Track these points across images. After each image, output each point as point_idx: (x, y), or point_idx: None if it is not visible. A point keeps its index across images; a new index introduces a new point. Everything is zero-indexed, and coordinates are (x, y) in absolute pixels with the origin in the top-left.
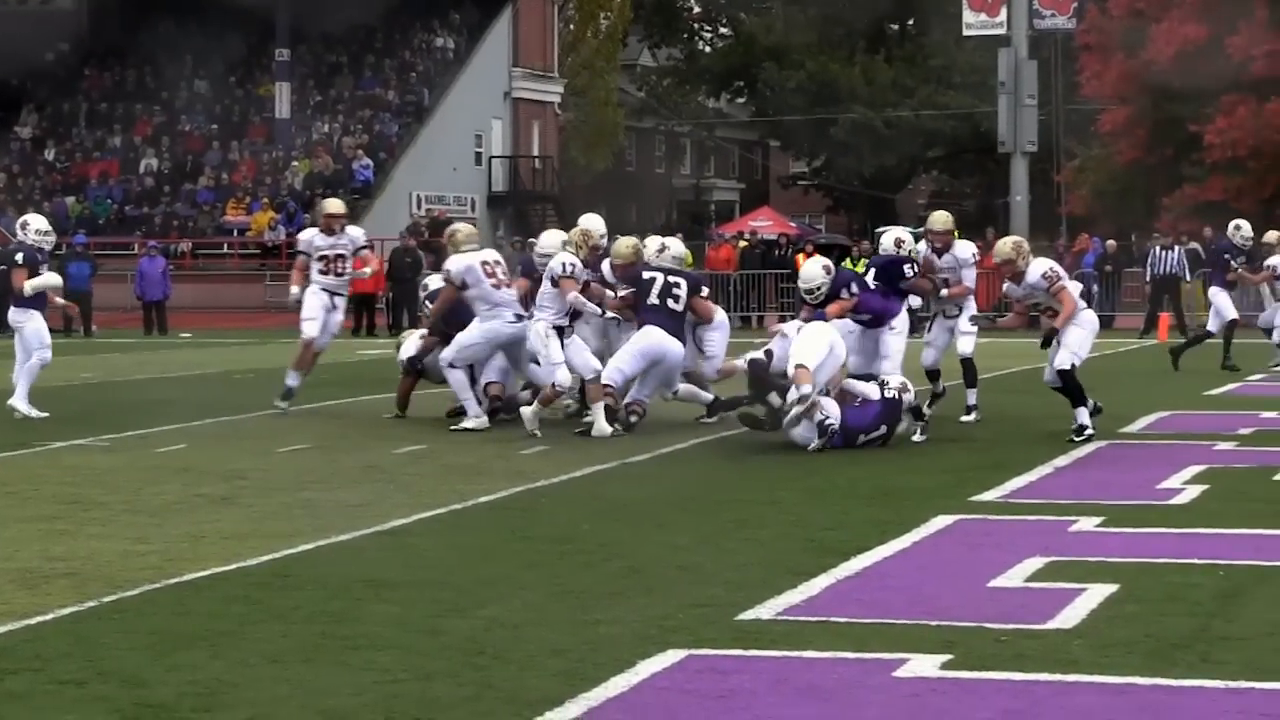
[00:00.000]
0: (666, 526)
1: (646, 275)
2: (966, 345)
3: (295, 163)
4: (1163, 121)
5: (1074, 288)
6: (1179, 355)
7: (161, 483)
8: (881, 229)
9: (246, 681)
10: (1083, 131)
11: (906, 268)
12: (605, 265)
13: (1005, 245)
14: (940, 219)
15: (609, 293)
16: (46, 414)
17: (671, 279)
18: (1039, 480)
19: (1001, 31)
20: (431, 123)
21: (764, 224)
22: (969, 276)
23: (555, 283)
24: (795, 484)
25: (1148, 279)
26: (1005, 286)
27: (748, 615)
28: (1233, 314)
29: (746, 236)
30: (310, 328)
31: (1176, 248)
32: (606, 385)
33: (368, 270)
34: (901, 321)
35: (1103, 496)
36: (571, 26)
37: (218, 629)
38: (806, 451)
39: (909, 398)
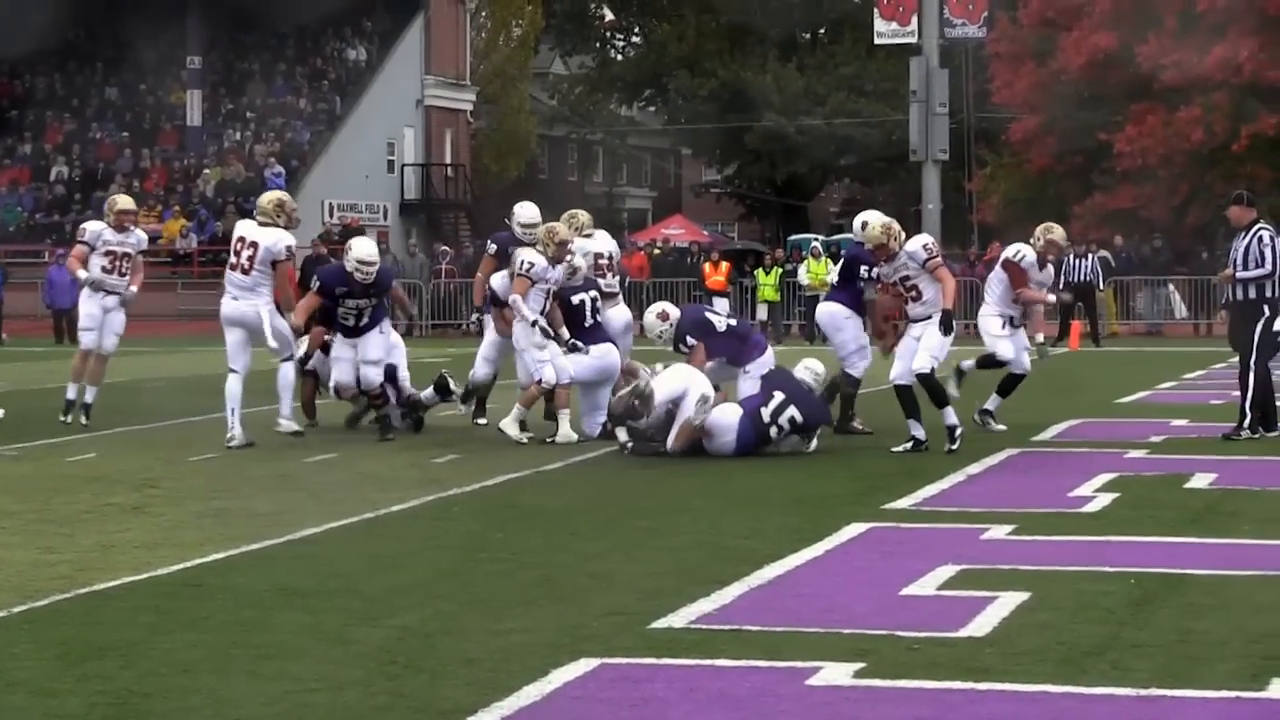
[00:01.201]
0: (579, 535)
1: (575, 300)
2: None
3: (207, 170)
4: (1073, 130)
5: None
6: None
7: (72, 492)
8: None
9: (158, 691)
10: (994, 140)
11: (864, 269)
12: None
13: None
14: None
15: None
16: None
17: (594, 294)
18: (951, 488)
19: (912, 40)
20: (344, 131)
21: (677, 232)
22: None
23: (513, 277)
24: (709, 492)
25: (1061, 286)
26: (876, 271)
27: (660, 624)
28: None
29: (659, 244)
30: (88, 339)
31: (1090, 255)
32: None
33: (134, 289)
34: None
35: (1014, 504)
36: (484, 34)
37: (128, 639)
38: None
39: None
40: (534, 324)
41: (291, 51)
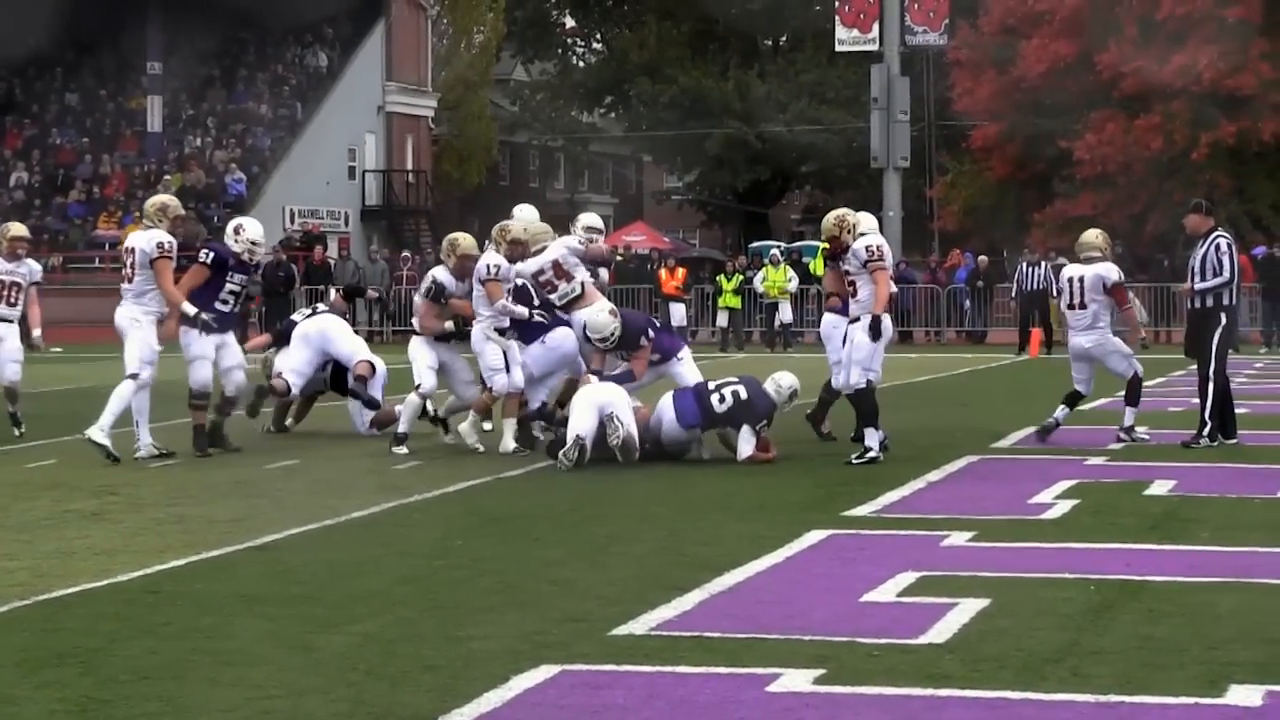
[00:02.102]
0: (540, 541)
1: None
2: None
3: (167, 176)
4: (1034, 137)
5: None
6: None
7: (31, 498)
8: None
9: (117, 699)
10: (955, 147)
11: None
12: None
13: (828, 219)
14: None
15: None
16: None
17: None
18: (911, 495)
19: (874, 48)
20: (305, 137)
21: (638, 239)
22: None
23: (483, 284)
24: (669, 498)
25: (1014, 295)
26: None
27: (621, 630)
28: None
29: (620, 251)
30: None
31: (1043, 263)
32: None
33: (37, 333)
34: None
35: (974, 511)
36: (445, 41)
37: (88, 646)
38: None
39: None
40: (530, 318)
41: (252, 57)
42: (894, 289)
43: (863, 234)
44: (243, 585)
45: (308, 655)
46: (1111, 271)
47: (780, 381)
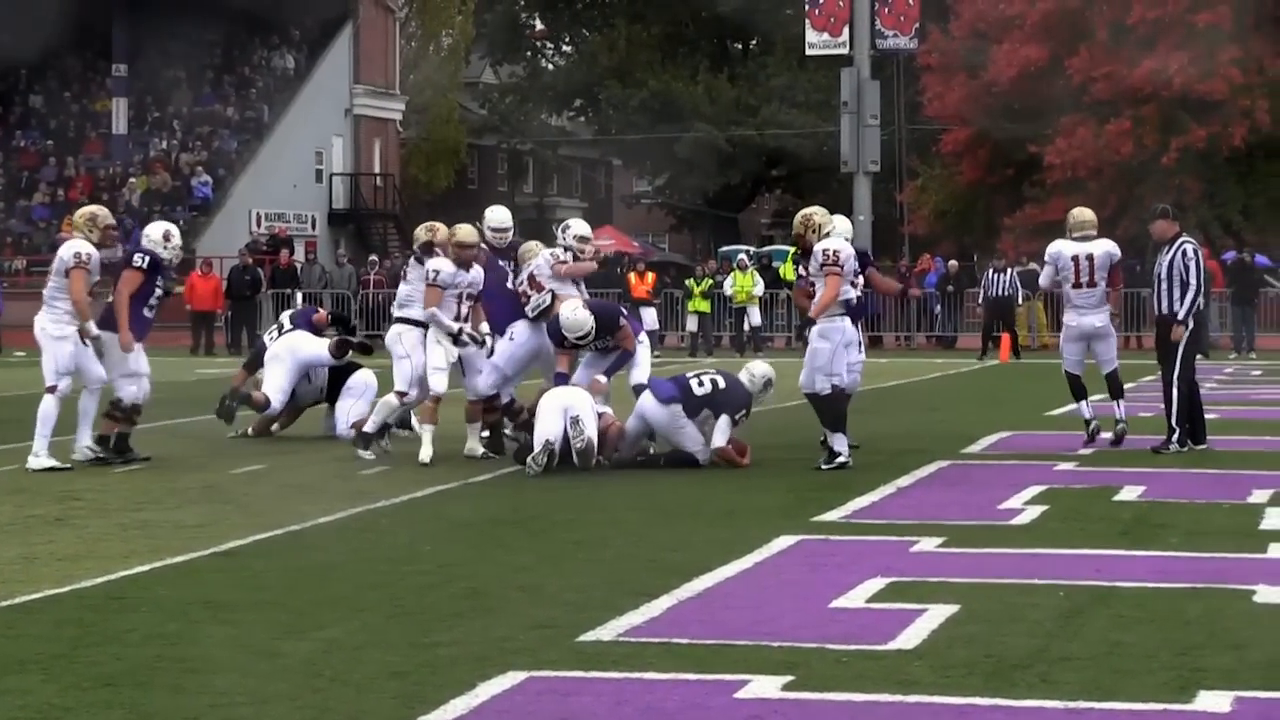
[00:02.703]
0: (508, 547)
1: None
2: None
3: (133, 179)
4: (1004, 142)
5: (849, 289)
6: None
7: None
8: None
9: (80, 705)
10: (925, 151)
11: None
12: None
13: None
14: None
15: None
16: None
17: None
18: (881, 500)
19: (844, 51)
20: (271, 140)
21: (607, 243)
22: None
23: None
24: (638, 504)
25: (980, 301)
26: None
27: (589, 636)
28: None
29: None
30: None
31: (1009, 270)
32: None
33: None
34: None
35: (944, 517)
36: (413, 44)
37: (50, 652)
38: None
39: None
40: (458, 334)
41: (219, 60)
42: (851, 294)
43: (826, 235)
44: (208, 591)
45: (273, 662)
46: (1116, 247)
47: (754, 371)
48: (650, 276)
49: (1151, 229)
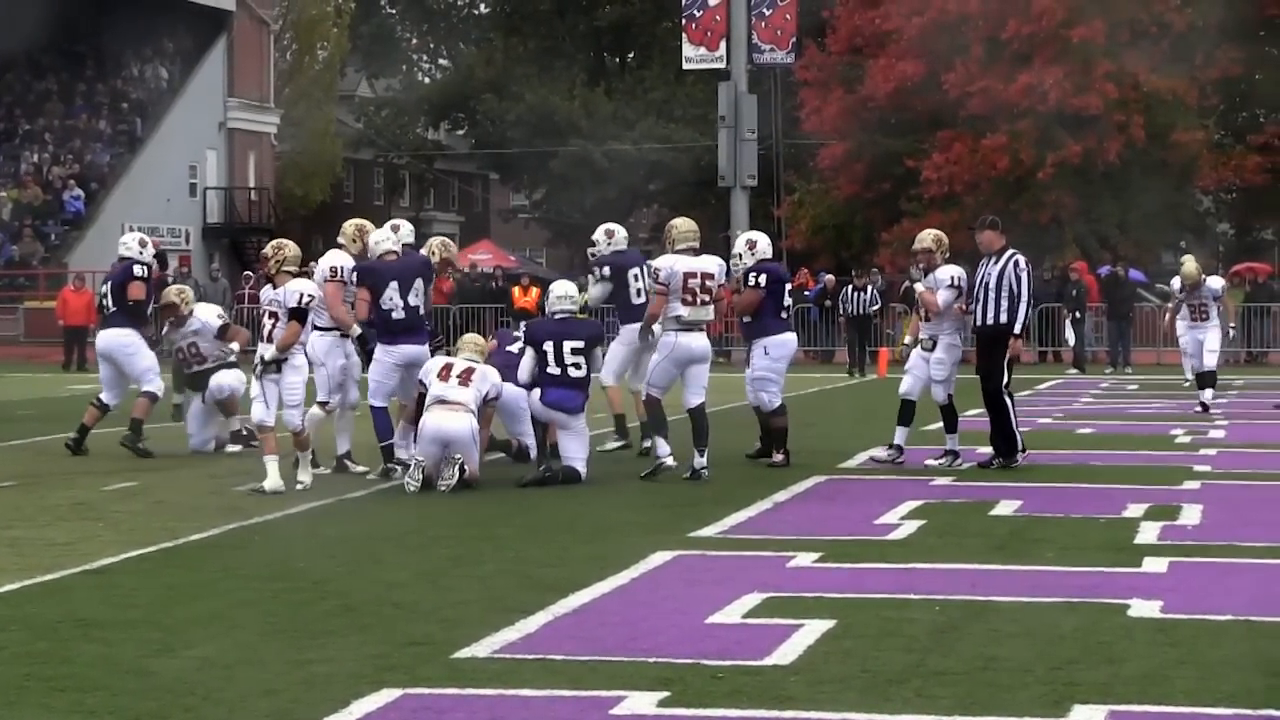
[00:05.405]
0: (383, 563)
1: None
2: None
3: (3, 193)
4: (881, 157)
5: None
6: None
7: None
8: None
9: None
10: (802, 166)
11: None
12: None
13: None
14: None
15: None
16: None
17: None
18: (758, 515)
19: (721, 65)
20: (145, 153)
21: (484, 257)
22: (944, 298)
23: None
24: (514, 520)
25: (840, 314)
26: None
27: (464, 653)
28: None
29: (465, 270)
30: None
31: (869, 287)
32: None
33: None
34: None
35: (821, 532)
36: (289, 56)
37: None
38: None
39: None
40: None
41: (91, 71)
42: (682, 311)
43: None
44: (78, 609)
45: (144, 679)
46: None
47: (559, 291)
48: (535, 291)
49: (979, 239)
